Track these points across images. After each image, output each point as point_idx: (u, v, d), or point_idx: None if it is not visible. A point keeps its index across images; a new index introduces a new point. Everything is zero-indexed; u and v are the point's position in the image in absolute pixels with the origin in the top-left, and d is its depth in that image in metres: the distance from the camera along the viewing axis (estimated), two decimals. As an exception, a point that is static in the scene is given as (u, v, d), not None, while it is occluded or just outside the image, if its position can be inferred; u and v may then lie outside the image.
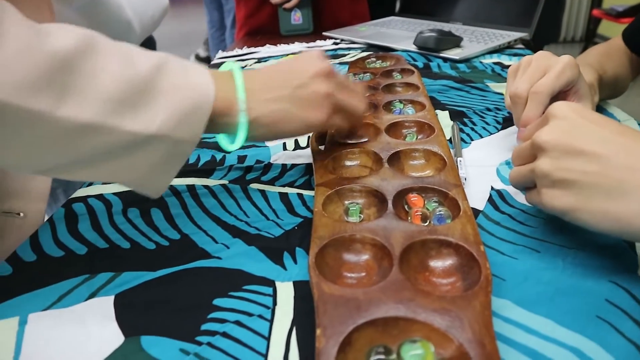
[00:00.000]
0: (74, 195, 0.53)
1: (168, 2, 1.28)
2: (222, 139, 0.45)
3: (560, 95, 0.52)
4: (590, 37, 3.78)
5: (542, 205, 0.38)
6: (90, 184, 0.55)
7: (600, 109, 0.67)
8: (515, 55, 0.97)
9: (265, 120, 0.43)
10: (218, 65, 1.02)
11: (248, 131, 0.42)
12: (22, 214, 0.49)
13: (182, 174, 0.56)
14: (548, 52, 0.55)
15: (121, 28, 0.96)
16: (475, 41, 1.02)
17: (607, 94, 0.68)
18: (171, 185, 0.53)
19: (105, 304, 0.37)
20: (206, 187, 0.53)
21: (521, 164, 0.41)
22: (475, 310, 0.30)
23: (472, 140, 0.60)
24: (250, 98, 0.42)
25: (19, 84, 0.31)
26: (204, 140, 0.65)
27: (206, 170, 0.56)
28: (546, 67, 0.52)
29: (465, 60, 0.94)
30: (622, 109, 0.67)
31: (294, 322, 0.34)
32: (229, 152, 0.59)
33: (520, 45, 1.06)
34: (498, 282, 0.37)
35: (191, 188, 0.53)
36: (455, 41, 0.99)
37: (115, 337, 0.34)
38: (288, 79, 0.45)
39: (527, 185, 0.41)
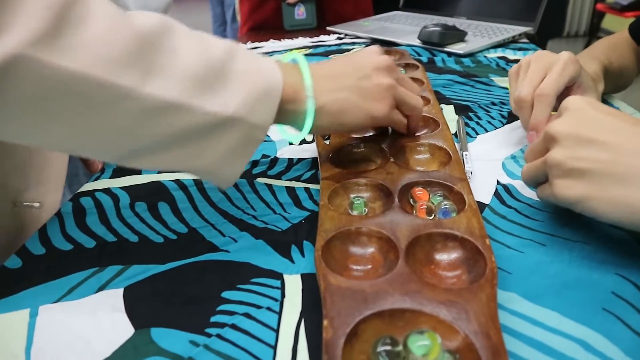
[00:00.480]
0: (81, 190, 0.53)
1: None
2: (284, 131, 0.46)
3: (564, 91, 0.52)
4: (594, 32, 3.76)
5: (554, 197, 0.38)
6: (97, 178, 0.55)
7: (606, 103, 0.67)
8: (519, 49, 0.97)
9: (330, 108, 0.43)
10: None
11: (314, 119, 0.42)
12: (38, 204, 0.50)
13: (188, 168, 0.56)
14: (546, 51, 0.55)
15: None
16: (480, 35, 1.02)
17: (613, 86, 0.68)
18: (178, 179, 0.54)
19: (114, 297, 0.37)
20: (213, 181, 0.53)
21: (534, 159, 0.41)
22: (481, 303, 0.31)
23: (478, 134, 0.60)
24: (316, 86, 0.42)
25: (110, 60, 0.31)
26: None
27: (212, 165, 0.57)
28: (546, 67, 0.52)
29: (470, 55, 0.94)
30: (627, 104, 0.67)
31: (302, 314, 0.34)
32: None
33: (525, 40, 1.06)
34: (504, 275, 0.37)
35: (198, 182, 0.53)
36: (459, 35, 0.99)
37: (125, 329, 0.34)
38: (351, 70, 0.45)
39: (539, 180, 0.41)
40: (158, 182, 0.54)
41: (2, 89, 0.29)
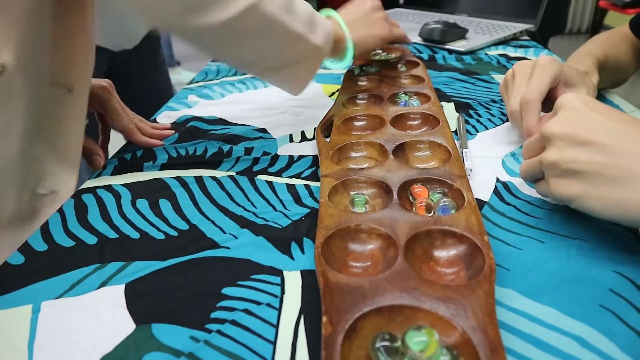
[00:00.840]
0: (83, 186, 0.54)
1: None
2: (329, 63, 0.71)
3: (551, 92, 0.53)
4: (596, 29, 3.75)
5: (550, 194, 0.39)
6: (98, 175, 0.56)
7: (605, 100, 0.67)
8: (521, 47, 0.97)
9: (357, 41, 0.67)
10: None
11: (352, 50, 0.66)
12: (53, 192, 0.53)
13: (189, 165, 0.57)
14: (526, 60, 0.57)
15: (127, 16, 0.96)
16: (481, 33, 1.02)
17: (610, 80, 0.69)
18: (179, 177, 0.54)
19: (116, 293, 0.38)
20: (214, 178, 0.54)
21: (531, 156, 0.41)
22: (479, 299, 0.31)
23: (478, 131, 0.60)
24: (349, 29, 0.66)
25: (282, 6, 0.53)
26: (211, 132, 0.65)
27: (213, 162, 0.57)
28: (529, 75, 0.54)
29: (471, 52, 0.94)
30: (627, 101, 0.67)
31: (301, 311, 0.35)
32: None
33: (526, 37, 1.06)
34: (503, 272, 0.37)
35: (199, 179, 0.53)
36: (460, 33, 0.99)
37: (126, 325, 0.35)
38: (361, 14, 0.71)
39: (537, 177, 0.41)
40: (159, 179, 0.54)
41: (238, 24, 0.51)
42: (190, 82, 0.89)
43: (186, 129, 0.67)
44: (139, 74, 1.18)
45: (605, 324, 0.32)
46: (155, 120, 0.71)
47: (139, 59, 1.15)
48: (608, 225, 0.41)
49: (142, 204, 0.50)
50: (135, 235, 0.45)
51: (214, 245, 0.43)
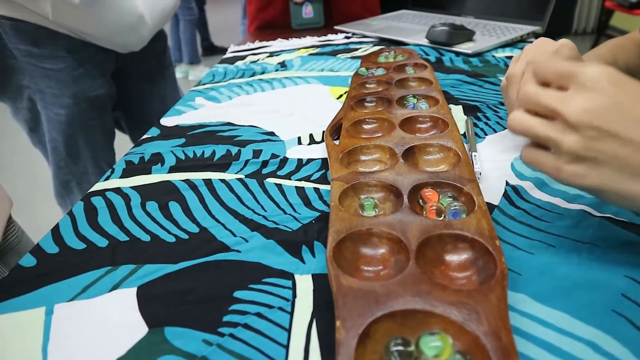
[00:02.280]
0: (91, 190, 0.54)
1: None
2: None
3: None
4: (602, 29, 3.73)
5: (560, 180, 0.36)
6: (107, 178, 0.56)
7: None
8: (528, 49, 0.97)
9: None
10: (232, 59, 1.03)
11: None
12: None
13: (198, 168, 0.57)
14: (547, 39, 0.55)
15: (132, 21, 0.97)
16: (488, 35, 1.02)
17: None
18: (188, 179, 0.54)
19: (128, 296, 0.38)
20: (223, 181, 0.54)
21: (529, 108, 0.37)
22: (491, 304, 0.31)
23: (486, 134, 0.60)
24: None
25: None
26: (219, 134, 0.66)
27: (222, 165, 0.57)
28: (545, 50, 0.53)
29: (478, 54, 0.94)
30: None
31: (313, 314, 0.35)
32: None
33: (533, 39, 1.05)
34: (514, 276, 0.37)
35: (208, 182, 0.54)
36: (467, 35, 0.99)
37: (139, 328, 0.35)
38: None
39: (532, 140, 0.38)
40: (168, 181, 0.54)
41: None
42: (198, 84, 0.89)
43: (194, 132, 0.67)
44: (145, 77, 1.19)
45: (618, 329, 0.32)
46: (161, 124, 0.71)
47: (145, 62, 1.16)
48: (619, 229, 0.41)
49: (152, 206, 0.50)
50: (146, 238, 0.45)
51: (225, 248, 0.43)
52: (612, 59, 0.64)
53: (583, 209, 0.45)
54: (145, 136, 0.68)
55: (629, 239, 0.40)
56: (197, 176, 0.55)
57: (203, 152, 0.61)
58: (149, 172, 0.57)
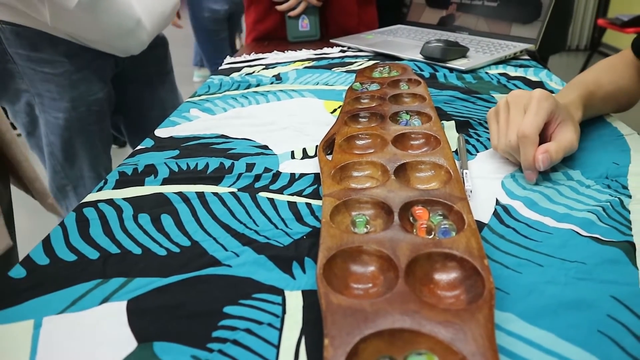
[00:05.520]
0: (84, 200, 0.54)
1: None
2: None
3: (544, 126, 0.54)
4: (595, 46, 3.78)
5: None
6: (100, 189, 0.56)
7: (604, 122, 0.68)
8: (520, 66, 0.98)
9: None
10: (227, 71, 1.03)
11: None
12: None
13: (191, 180, 0.57)
14: (521, 91, 0.57)
15: (130, 25, 0.97)
16: (482, 52, 1.03)
17: (610, 108, 0.69)
18: (180, 192, 0.54)
19: (118, 309, 0.38)
20: (215, 194, 0.54)
21: None
22: (479, 324, 0.31)
23: (478, 152, 0.61)
24: None
25: None
26: (213, 146, 0.66)
27: (215, 178, 0.57)
28: (524, 107, 0.54)
29: (472, 71, 0.95)
30: (630, 122, 0.68)
31: (302, 331, 0.35)
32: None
33: (526, 56, 1.07)
34: (502, 295, 0.37)
35: (200, 195, 0.54)
36: (461, 51, 1.00)
37: (128, 343, 0.35)
38: None
39: None
40: (161, 194, 0.54)
41: None
42: (193, 96, 0.89)
43: (188, 144, 0.68)
44: (145, 83, 1.19)
45: (603, 349, 0.32)
46: (155, 135, 0.72)
47: (145, 68, 1.16)
48: (606, 248, 0.42)
49: (144, 218, 0.50)
50: (137, 250, 0.45)
51: (216, 262, 0.43)
52: (596, 84, 0.66)
53: (572, 229, 0.45)
54: (139, 147, 0.68)
55: (615, 258, 0.41)
56: (190, 189, 0.55)
57: (196, 165, 0.61)
58: (142, 184, 0.57)
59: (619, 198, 0.49)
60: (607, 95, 0.67)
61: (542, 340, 0.33)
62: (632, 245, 0.42)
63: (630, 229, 0.45)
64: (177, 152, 0.65)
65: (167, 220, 0.50)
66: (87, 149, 1.05)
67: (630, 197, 0.50)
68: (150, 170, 0.60)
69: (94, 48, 0.99)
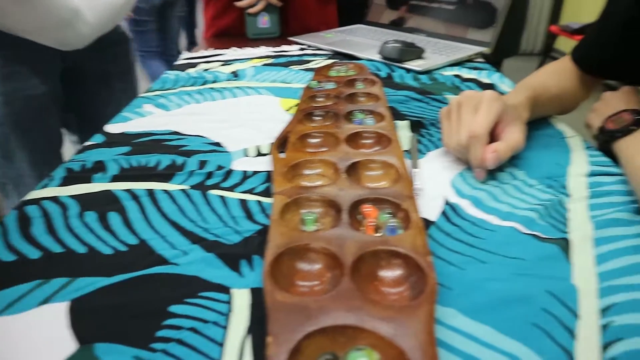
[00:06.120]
0: (27, 198, 0.52)
1: None
2: None
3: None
4: (548, 51, 3.92)
5: None
6: (45, 186, 0.54)
7: (548, 125, 0.70)
8: (474, 68, 1.00)
9: None
10: (184, 66, 1.02)
11: None
12: None
13: (141, 177, 0.56)
14: (472, 92, 0.59)
15: (66, 15, 0.91)
16: (438, 53, 1.05)
17: (554, 110, 0.72)
18: (130, 190, 0.53)
19: (59, 311, 0.37)
20: (166, 192, 0.53)
21: None
22: (419, 319, 0.32)
23: (429, 151, 0.62)
24: None
25: None
26: (165, 143, 0.65)
27: (166, 175, 0.57)
28: (475, 108, 0.56)
29: (427, 72, 0.97)
30: (575, 124, 0.70)
31: (249, 329, 0.35)
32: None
33: (481, 59, 1.10)
34: (446, 291, 0.38)
35: (151, 193, 0.53)
36: (417, 52, 1.02)
37: (68, 345, 0.34)
38: None
39: None
40: (109, 191, 0.53)
41: None
42: (147, 91, 0.88)
43: (139, 140, 0.66)
44: (102, 80, 1.15)
45: (537, 342, 0.34)
46: (105, 131, 0.70)
47: (101, 63, 1.12)
48: (544, 245, 0.44)
49: (91, 217, 0.49)
50: (82, 249, 0.44)
51: (163, 261, 0.42)
52: (542, 87, 0.68)
53: (514, 226, 0.47)
54: (88, 143, 0.66)
55: (552, 255, 0.43)
56: (139, 186, 0.54)
57: (148, 162, 0.60)
58: (89, 181, 0.55)
59: (558, 197, 0.51)
60: (552, 98, 0.70)
61: (481, 334, 0.35)
62: (568, 241, 0.44)
63: (567, 226, 0.47)
64: (128, 148, 0.64)
65: (114, 218, 0.49)
66: (26, 146, 1.00)
67: (568, 196, 0.52)
68: (99, 166, 0.59)
69: (29, 40, 0.93)
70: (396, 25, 1.30)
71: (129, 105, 0.80)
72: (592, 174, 0.56)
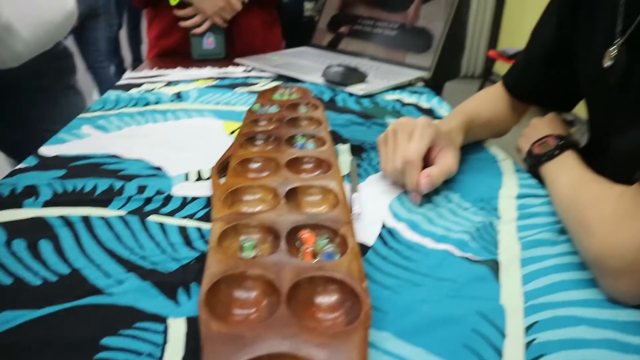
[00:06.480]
0: (-48, 225, 0.49)
1: (74, 6, 1.22)
2: None
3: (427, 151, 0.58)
4: (487, 74, 4.12)
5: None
6: (-28, 212, 0.52)
7: (483, 149, 0.74)
8: (415, 92, 1.04)
9: None
10: (126, 87, 1.00)
11: None
12: None
13: (76, 203, 0.54)
14: (407, 119, 0.62)
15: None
16: (380, 77, 1.09)
17: (487, 135, 0.76)
18: (63, 216, 0.51)
19: (-20, 347, 0.35)
20: (102, 218, 0.52)
21: None
22: (353, 344, 0.33)
23: (369, 175, 0.64)
24: None
25: None
26: (103, 167, 0.63)
27: (103, 200, 0.55)
28: (410, 134, 0.59)
29: (369, 96, 0.99)
30: (509, 147, 0.74)
31: (184, 359, 0.35)
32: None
33: (421, 83, 1.14)
34: (380, 315, 0.39)
35: (86, 219, 0.51)
36: (360, 77, 1.05)
37: (-12, 383, 0.32)
38: None
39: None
40: (40, 218, 0.51)
41: None
42: (87, 111, 0.85)
43: (76, 163, 0.64)
44: (44, 97, 1.10)
45: (466, 362, 0.35)
46: (39, 153, 0.67)
47: (42, 80, 1.07)
48: (475, 266, 0.46)
49: (19, 245, 0.47)
50: (7, 281, 0.42)
51: (97, 291, 0.41)
52: (475, 112, 0.72)
53: (447, 249, 0.49)
54: (19, 166, 0.64)
55: (482, 276, 0.45)
56: (74, 212, 0.53)
57: (84, 186, 0.58)
58: (19, 207, 0.53)
59: (490, 219, 0.54)
60: (485, 123, 0.74)
61: (414, 356, 0.36)
62: (497, 263, 0.47)
63: (497, 248, 0.49)
64: (63, 172, 0.62)
65: (45, 246, 0.47)
66: None
67: (499, 218, 0.55)
68: (31, 191, 0.57)
69: None
70: (340, 48, 1.33)
71: (67, 126, 0.78)
72: (521, 196, 0.59)
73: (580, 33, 0.63)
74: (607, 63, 0.55)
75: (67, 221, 0.51)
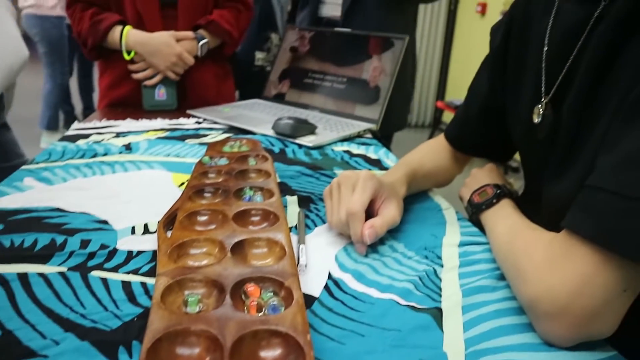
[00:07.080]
0: None
1: (27, 52, 1.21)
2: None
3: (370, 202, 0.60)
4: (437, 124, 4.30)
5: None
6: None
7: (427, 198, 0.77)
8: (363, 144, 1.08)
9: None
10: (74, 137, 0.98)
11: None
12: None
13: (13, 259, 0.52)
14: (350, 172, 0.64)
15: None
16: (329, 129, 1.12)
17: (430, 185, 0.80)
18: (-1, 274, 0.50)
19: None
20: (41, 275, 0.50)
21: None
22: (296, 400, 0.33)
23: (316, 226, 0.65)
24: None
25: None
26: (45, 221, 0.62)
27: (43, 256, 0.53)
28: (353, 187, 0.61)
29: (319, 147, 1.02)
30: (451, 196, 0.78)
31: None
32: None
33: (369, 135, 1.18)
34: (325, 367, 0.40)
35: (23, 276, 0.49)
36: (310, 128, 1.08)
37: None
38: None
39: None
40: (-26, 276, 0.49)
41: None
42: (30, 163, 0.83)
43: (15, 217, 0.62)
44: None
45: (408, 413, 0.36)
46: (-20, 207, 0.65)
47: None
48: (418, 315, 0.47)
49: (-52, 306, 0.44)
50: None
51: (30, 354, 0.39)
52: (419, 164, 0.76)
53: (392, 298, 0.50)
54: (-46, 221, 0.61)
55: (425, 324, 0.46)
56: (10, 269, 0.51)
57: (23, 241, 0.56)
58: (-49, 265, 0.51)
59: (433, 267, 0.56)
60: (428, 174, 0.78)
61: (358, 409, 0.36)
62: (440, 310, 0.48)
63: (440, 296, 0.51)
64: (0, 226, 0.60)
65: (-23, 306, 0.45)
66: None
67: (442, 266, 0.57)
68: (-35, 248, 0.54)
69: None
70: (291, 101, 1.37)
71: (7, 178, 0.76)
72: (463, 244, 0.62)
73: (510, 90, 0.69)
74: (536, 120, 0.59)
75: (2, 279, 0.49)
